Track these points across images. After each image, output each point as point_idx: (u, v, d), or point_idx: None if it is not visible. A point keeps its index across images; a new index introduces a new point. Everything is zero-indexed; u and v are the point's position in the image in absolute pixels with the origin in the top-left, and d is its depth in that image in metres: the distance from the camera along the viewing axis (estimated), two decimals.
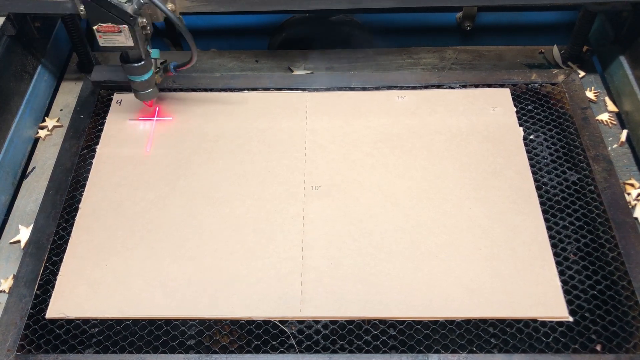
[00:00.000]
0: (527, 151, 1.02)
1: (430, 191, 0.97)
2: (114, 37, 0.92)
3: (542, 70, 1.15)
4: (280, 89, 1.14)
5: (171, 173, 1.01)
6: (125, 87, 1.11)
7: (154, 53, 1.01)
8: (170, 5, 1.00)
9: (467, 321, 0.83)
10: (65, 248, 0.92)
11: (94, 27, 0.91)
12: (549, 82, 1.13)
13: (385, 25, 1.48)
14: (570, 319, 0.82)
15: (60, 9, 1.04)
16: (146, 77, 1.01)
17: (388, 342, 0.82)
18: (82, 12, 0.94)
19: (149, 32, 0.96)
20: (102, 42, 0.93)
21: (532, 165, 1.00)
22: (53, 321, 0.85)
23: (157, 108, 1.11)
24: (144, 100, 1.06)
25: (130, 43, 0.93)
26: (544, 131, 1.06)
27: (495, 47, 1.27)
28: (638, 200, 0.97)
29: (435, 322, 0.83)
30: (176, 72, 1.05)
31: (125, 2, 0.89)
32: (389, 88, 1.14)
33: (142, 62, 0.98)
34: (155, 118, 1.10)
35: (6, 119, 1.08)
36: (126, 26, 0.90)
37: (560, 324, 0.82)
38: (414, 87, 1.14)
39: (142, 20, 0.93)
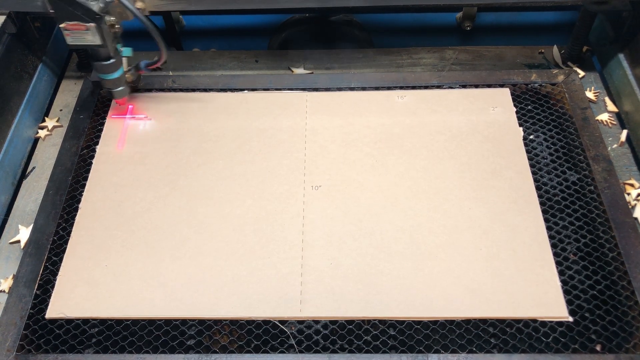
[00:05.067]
0: (527, 151, 1.02)
1: (430, 191, 0.97)
2: (81, 35, 0.92)
3: (542, 70, 1.15)
4: (280, 89, 1.14)
5: (171, 173, 1.01)
6: None
7: (126, 51, 1.02)
8: (139, 4, 1.00)
9: (467, 321, 0.83)
10: (65, 248, 0.92)
11: (61, 25, 0.91)
12: (548, 82, 1.13)
13: (385, 25, 1.48)
14: (570, 319, 0.82)
15: (32, 7, 1.04)
16: (116, 75, 1.01)
17: (388, 342, 0.82)
18: (51, 11, 0.94)
19: (117, 30, 0.96)
20: (69, 39, 0.93)
21: (532, 165, 1.00)
22: (53, 321, 0.85)
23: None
24: (116, 98, 1.06)
25: (98, 41, 0.93)
26: (544, 131, 1.06)
27: (495, 47, 1.27)
28: (638, 200, 0.97)
29: (435, 322, 0.83)
30: (147, 70, 1.05)
31: (92, 1, 0.89)
32: (389, 88, 1.14)
33: (111, 60, 0.98)
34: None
35: (6, 119, 1.08)
36: (93, 24, 0.91)
37: (560, 324, 0.82)
38: (414, 87, 1.14)
39: (110, 19, 0.93)
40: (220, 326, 0.84)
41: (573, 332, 0.82)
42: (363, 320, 0.84)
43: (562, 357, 0.79)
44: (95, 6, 0.89)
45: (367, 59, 1.25)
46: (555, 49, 1.23)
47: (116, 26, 0.95)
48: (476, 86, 1.13)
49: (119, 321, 0.85)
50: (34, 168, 1.08)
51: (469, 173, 0.99)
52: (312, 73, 1.22)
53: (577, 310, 0.84)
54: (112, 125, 1.10)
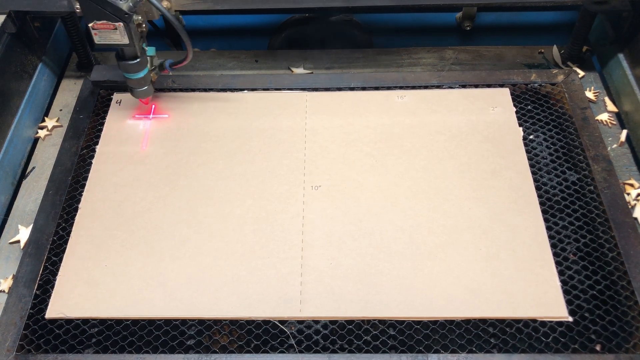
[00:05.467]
0: (527, 151, 1.02)
1: (430, 191, 0.97)
2: (109, 34, 0.92)
3: (541, 70, 1.15)
4: (280, 89, 1.14)
5: (171, 173, 1.01)
6: (125, 87, 1.11)
7: (150, 51, 1.02)
8: (165, 3, 1.00)
9: (467, 321, 0.83)
10: (65, 248, 0.92)
11: (89, 25, 0.91)
12: (548, 82, 1.13)
13: (385, 25, 1.48)
14: (570, 318, 0.82)
15: (57, 6, 1.04)
16: (142, 74, 1.01)
17: (388, 342, 0.82)
18: (78, 10, 0.94)
19: (144, 29, 0.96)
20: (97, 39, 0.93)
21: (531, 165, 1.00)
22: (53, 321, 0.85)
23: (153, 106, 1.11)
24: (140, 97, 1.06)
25: (125, 40, 0.93)
26: (544, 131, 1.06)
27: (495, 47, 1.27)
28: (638, 200, 0.97)
29: (435, 322, 0.83)
30: (172, 70, 1.05)
31: (121, 0, 0.89)
32: (389, 88, 1.14)
33: (138, 60, 0.98)
34: (151, 116, 1.10)
35: (6, 119, 1.08)
36: (121, 24, 0.91)
37: (560, 323, 0.82)
38: (414, 87, 1.14)
39: (137, 18, 0.93)
40: (220, 326, 0.84)
41: (573, 332, 0.82)
42: (363, 320, 0.84)
43: (562, 357, 0.79)
44: (125, 5, 0.89)
45: (367, 59, 1.25)
46: (555, 49, 1.23)
47: (143, 25, 0.95)
48: (476, 86, 1.13)
49: (119, 321, 0.85)
50: (33, 168, 1.08)
51: (469, 173, 0.99)
52: (312, 73, 1.22)
53: (576, 310, 0.84)
54: (112, 126, 1.10)
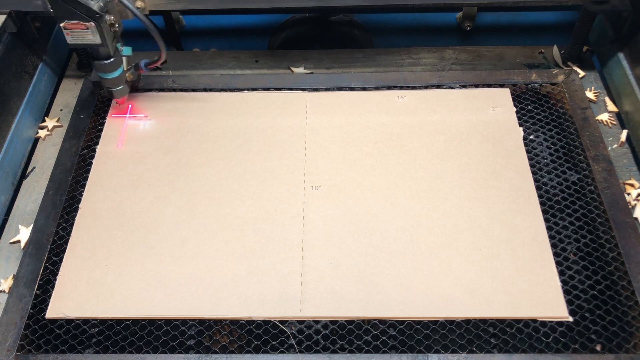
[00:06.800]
0: (527, 151, 1.02)
1: (430, 191, 0.97)
2: (81, 34, 0.92)
3: (542, 70, 1.15)
4: (280, 89, 1.14)
5: (171, 173, 1.01)
6: None
7: (126, 50, 1.02)
8: (139, 3, 1.00)
9: (467, 321, 0.83)
10: (65, 248, 0.92)
11: (61, 25, 0.91)
12: (548, 82, 1.13)
13: (385, 25, 1.48)
14: (570, 319, 0.82)
15: (32, 6, 1.05)
16: (116, 74, 1.02)
17: (388, 342, 0.82)
18: (51, 10, 0.94)
19: (117, 29, 0.97)
20: (69, 39, 0.94)
21: (532, 165, 1.00)
22: (53, 321, 0.85)
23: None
24: (115, 97, 1.07)
25: (97, 40, 0.94)
26: (544, 131, 1.06)
27: (495, 47, 1.27)
28: (638, 200, 0.97)
29: (435, 322, 0.83)
30: (147, 70, 1.05)
31: (92, 0, 0.89)
32: (389, 88, 1.14)
33: (111, 60, 0.98)
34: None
35: (6, 119, 1.08)
36: (93, 23, 0.91)
37: (560, 324, 0.82)
38: (414, 87, 1.14)
39: (109, 18, 0.94)
40: (220, 326, 0.84)
41: (573, 332, 0.82)
42: (363, 320, 0.84)
43: (562, 357, 0.79)
44: (95, 5, 0.90)
45: (367, 59, 1.25)
46: (555, 49, 1.23)
47: (116, 25, 0.95)
48: (476, 86, 1.13)
49: (119, 321, 0.85)
50: (34, 168, 1.08)
51: (469, 173, 0.99)
52: (312, 73, 1.22)
53: (577, 310, 0.84)
54: (112, 125, 1.10)
